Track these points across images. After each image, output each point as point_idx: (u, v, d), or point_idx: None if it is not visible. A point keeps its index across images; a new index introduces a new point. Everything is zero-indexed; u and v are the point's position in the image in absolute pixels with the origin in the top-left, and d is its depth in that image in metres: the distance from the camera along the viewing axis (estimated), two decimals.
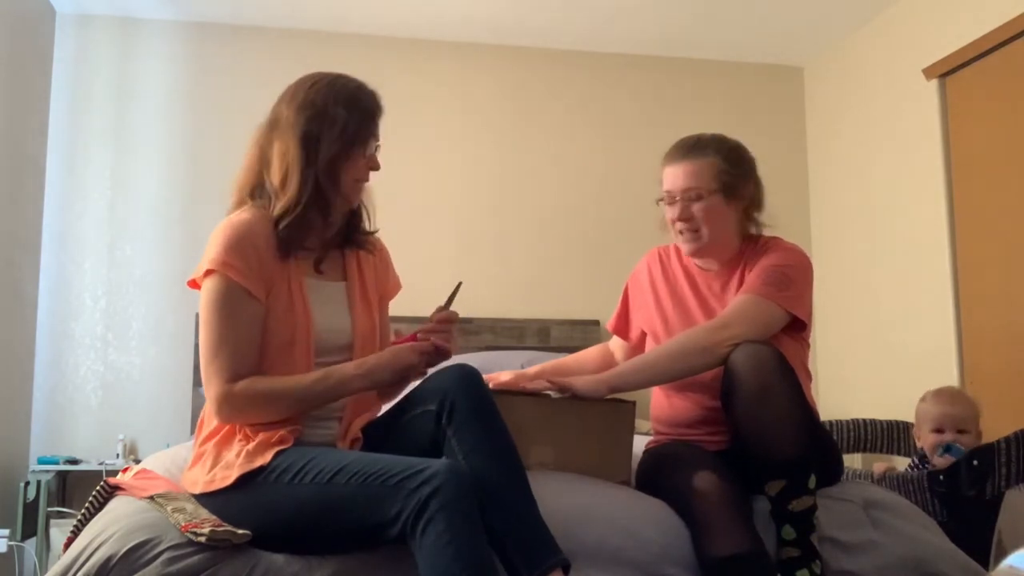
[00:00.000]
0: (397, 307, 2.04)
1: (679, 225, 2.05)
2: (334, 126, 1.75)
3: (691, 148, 2.06)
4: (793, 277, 1.95)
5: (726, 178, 2.02)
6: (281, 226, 1.72)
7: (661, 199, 2.09)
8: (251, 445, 1.63)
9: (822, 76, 4.67)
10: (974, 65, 3.58)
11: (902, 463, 3.34)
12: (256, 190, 1.79)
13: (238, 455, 1.63)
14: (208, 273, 1.68)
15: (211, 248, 1.69)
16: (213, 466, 1.66)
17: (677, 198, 2.04)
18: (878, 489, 2.02)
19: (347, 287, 1.84)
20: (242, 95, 4.16)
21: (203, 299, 1.68)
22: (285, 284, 1.73)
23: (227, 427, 1.69)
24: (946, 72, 3.71)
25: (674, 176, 2.05)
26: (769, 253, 2.02)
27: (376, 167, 1.83)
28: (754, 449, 1.76)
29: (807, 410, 1.82)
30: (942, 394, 2.83)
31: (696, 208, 2.01)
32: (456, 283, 1.88)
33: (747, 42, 4.53)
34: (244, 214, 1.74)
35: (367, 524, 1.47)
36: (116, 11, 4.15)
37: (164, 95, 4.20)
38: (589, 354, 2.36)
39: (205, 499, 1.64)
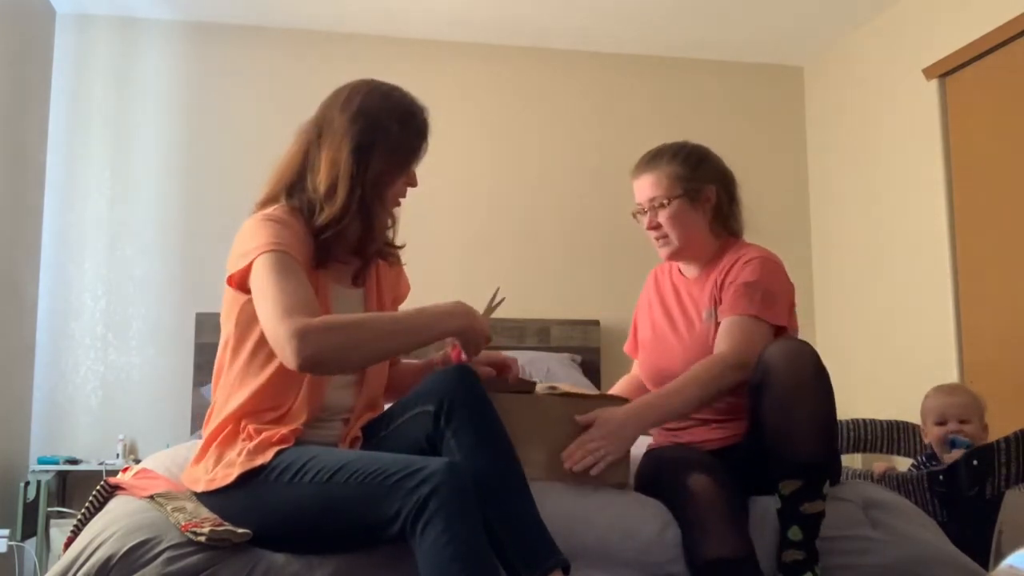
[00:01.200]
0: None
1: (652, 234, 2.14)
2: (387, 140, 1.73)
3: (651, 159, 2.14)
4: (775, 291, 1.99)
5: (687, 183, 2.09)
6: (322, 237, 1.70)
7: (635, 213, 2.17)
8: (252, 444, 1.63)
9: (822, 76, 4.67)
10: (974, 65, 3.59)
11: (902, 463, 3.34)
12: (293, 189, 1.76)
13: (239, 454, 1.63)
14: (257, 257, 1.63)
15: (254, 238, 1.65)
16: (215, 465, 1.66)
17: (645, 209, 2.13)
18: (878, 489, 2.02)
19: (365, 294, 1.84)
20: (242, 95, 4.16)
21: (261, 273, 1.61)
22: (312, 287, 1.71)
23: (231, 426, 1.69)
24: (946, 72, 3.71)
25: (639, 188, 2.14)
26: (739, 261, 2.04)
27: (415, 184, 1.82)
28: (775, 446, 1.76)
29: (834, 414, 1.82)
30: (942, 387, 2.93)
31: (662, 216, 2.09)
32: (495, 291, 1.90)
33: (747, 42, 4.53)
34: (280, 212, 1.71)
35: (366, 523, 1.47)
36: (116, 11, 4.15)
37: (164, 95, 4.19)
38: (621, 388, 2.36)
39: (206, 497, 1.64)
